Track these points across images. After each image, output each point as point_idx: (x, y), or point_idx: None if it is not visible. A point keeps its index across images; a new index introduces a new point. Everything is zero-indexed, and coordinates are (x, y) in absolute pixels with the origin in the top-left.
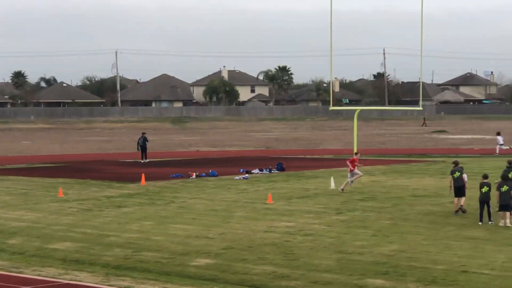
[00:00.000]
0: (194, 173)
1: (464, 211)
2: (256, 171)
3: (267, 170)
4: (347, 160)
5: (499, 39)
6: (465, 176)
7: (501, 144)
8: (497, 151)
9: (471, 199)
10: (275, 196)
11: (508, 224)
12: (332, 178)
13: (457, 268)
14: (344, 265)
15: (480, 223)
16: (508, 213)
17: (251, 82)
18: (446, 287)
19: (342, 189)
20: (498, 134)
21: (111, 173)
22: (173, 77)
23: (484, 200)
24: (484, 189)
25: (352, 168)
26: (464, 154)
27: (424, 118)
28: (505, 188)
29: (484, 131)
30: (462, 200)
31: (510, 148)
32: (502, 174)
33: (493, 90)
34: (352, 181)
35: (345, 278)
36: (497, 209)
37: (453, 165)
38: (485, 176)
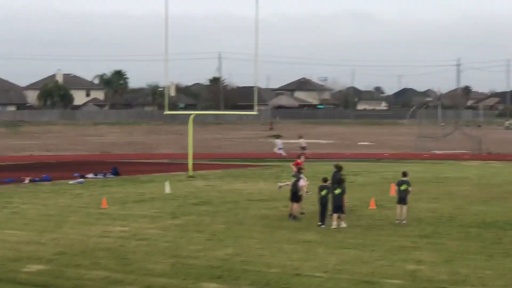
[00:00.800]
0: (27, 178)
1: (295, 217)
2: (90, 175)
3: (102, 174)
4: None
5: (333, 45)
6: (301, 181)
7: (280, 148)
8: (283, 154)
9: (304, 203)
10: (110, 200)
11: (343, 225)
12: (167, 182)
13: (290, 271)
14: (179, 269)
15: (320, 224)
16: (342, 215)
17: (86, 86)
18: None
19: (307, 192)
20: (277, 137)
21: None
22: (6, 81)
23: (324, 202)
24: (324, 192)
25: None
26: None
27: (271, 123)
28: (338, 190)
29: (318, 135)
30: (295, 206)
31: (284, 154)
32: (334, 178)
33: (327, 96)
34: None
35: (179, 282)
36: (331, 212)
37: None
38: (325, 180)
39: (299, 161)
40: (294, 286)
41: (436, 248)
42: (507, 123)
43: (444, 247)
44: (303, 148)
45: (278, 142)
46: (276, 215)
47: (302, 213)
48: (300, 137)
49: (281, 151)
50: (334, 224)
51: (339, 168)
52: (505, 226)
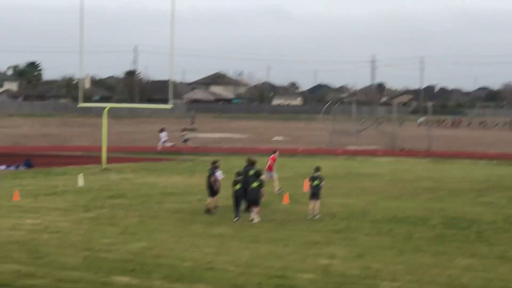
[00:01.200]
0: None
1: (209, 211)
2: (3, 167)
3: (14, 166)
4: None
5: (249, 39)
6: (219, 174)
7: (165, 141)
8: (159, 148)
9: (223, 197)
10: (22, 193)
11: (255, 219)
12: (80, 175)
13: (203, 265)
14: (91, 263)
15: (236, 219)
16: (256, 209)
17: None
18: (191, 284)
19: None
20: (162, 130)
21: None
22: None
23: (238, 196)
24: (238, 186)
25: (270, 168)
26: (214, 152)
27: (193, 116)
28: (255, 184)
29: (233, 130)
30: (209, 200)
31: (174, 145)
32: (254, 172)
33: (242, 90)
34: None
35: (91, 275)
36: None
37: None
38: (239, 174)
39: (274, 155)
40: (206, 280)
41: (349, 243)
42: (420, 120)
43: (356, 242)
44: (186, 140)
45: (163, 135)
46: (190, 209)
47: (216, 207)
48: (184, 129)
49: (165, 144)
50: (256, 217)
51: (251, 162)
52: (417, 222)
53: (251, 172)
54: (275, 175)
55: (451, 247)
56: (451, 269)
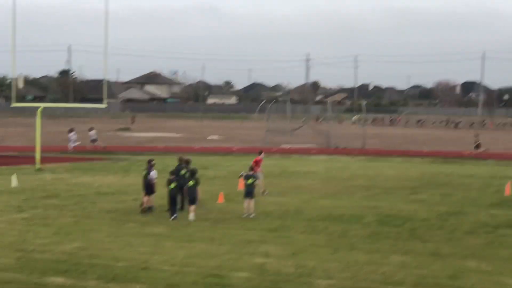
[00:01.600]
0: None
1: (146, 210)
2: None
3: None
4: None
5: (183, 38)
6: (154, 173)
7: (75, 141)
8: (71, 148)
9: (158, 197)
10: None
11: (191, 218)
12: (14, 175)
13: (138, 264)
14: (24, 264)
15: (173, 218)
16: (193, 207)
17: None
18: (126, 284)
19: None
20: (71, 131)
21: None
22: None
23: (173, 195)
24: (172, 185)
25: (256, 170)
26: (148, 152)
27: (133, 116)
28: (192, 182)
29: (168, 129)
30: (145, 198)
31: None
32: (190, 170)
33: (177, 89)
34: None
35: (25, 277)
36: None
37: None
38: (173, 173)
39: (259, 157)
40: (141, 279)
41: (283, 242)
42: (354, 118)
43: (291, 240)
44: (94, 140)
45: (72, 135)
46: (125, 209)
47: (151, 207)
48: (91, 129)
49: (74, 144)
50: (191, 216)
51: (183, 161)
52: (351, 220)
53: (184, 171)
54: (260, 176)
55: (385, 244)
56: (385, 266)
